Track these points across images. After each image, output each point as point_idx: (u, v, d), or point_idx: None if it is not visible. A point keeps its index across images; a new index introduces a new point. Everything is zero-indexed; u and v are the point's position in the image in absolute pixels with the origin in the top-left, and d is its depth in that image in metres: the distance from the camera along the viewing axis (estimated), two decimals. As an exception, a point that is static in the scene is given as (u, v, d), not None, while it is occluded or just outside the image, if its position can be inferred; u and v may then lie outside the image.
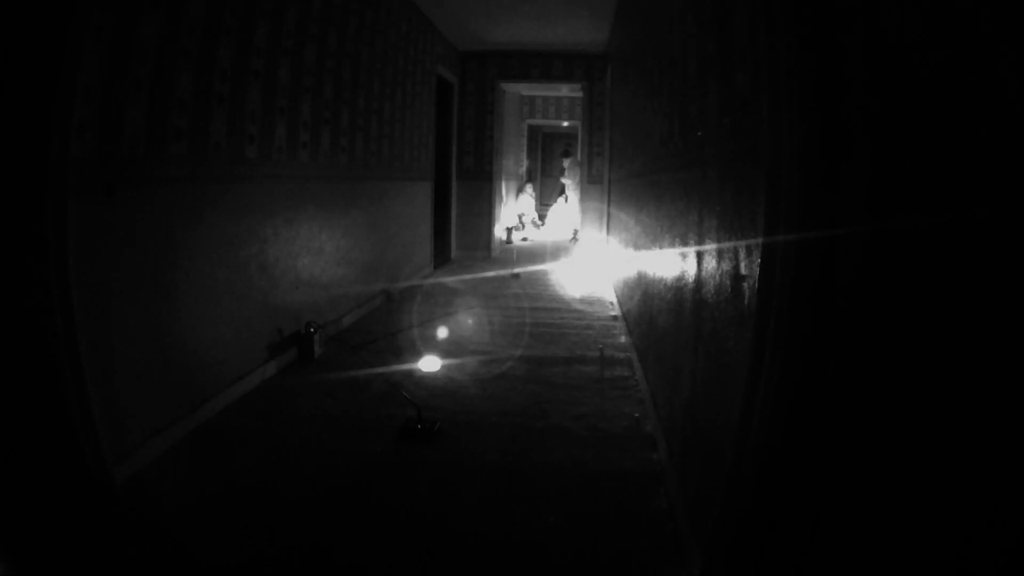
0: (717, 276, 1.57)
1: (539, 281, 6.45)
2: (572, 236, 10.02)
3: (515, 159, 11.86)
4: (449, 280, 6.45)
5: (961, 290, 0.79)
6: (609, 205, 6.89)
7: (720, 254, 1.55)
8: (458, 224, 8.08)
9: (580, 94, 8.44)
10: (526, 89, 8.93)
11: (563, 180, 11.99)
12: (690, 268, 1.94)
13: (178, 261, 2.43)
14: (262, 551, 1.76)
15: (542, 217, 12.54)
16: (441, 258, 7.57)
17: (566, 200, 11.78)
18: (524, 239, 10.54)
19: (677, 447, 2.06)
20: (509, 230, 9.95)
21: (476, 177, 8.07)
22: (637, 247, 3.68)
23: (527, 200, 11.78)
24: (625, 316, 4.34)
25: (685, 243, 2.04)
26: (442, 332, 4.10)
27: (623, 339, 4.11)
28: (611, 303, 5.30)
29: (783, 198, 1.09)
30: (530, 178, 13.61)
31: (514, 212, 11.30)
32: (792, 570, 1.20)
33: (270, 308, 3.21)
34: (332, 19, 3.83)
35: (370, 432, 2.56)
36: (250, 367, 3.01)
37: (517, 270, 6.89)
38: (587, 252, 7.79)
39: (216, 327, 2.71)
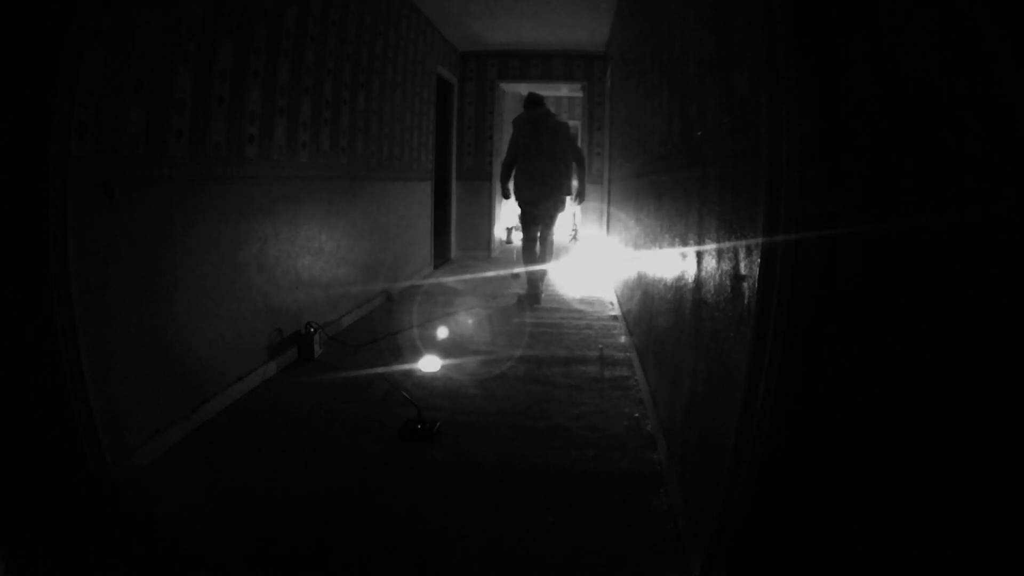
0: (717, 276, 1.57)
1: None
2: (572, 236, 10.01)
3: (515, 159, 11.82)
4: (449, 280, 6.44)
5: (961, 290, 0.79)
6: (609, 205, 6.90)
7: (720, 254, 1.55)
8: (458, 224, 8.08)
9: (580, 94, 8.40)
10: (526, 89, 8.93)
11: None
12: (690, 268, 1.94)
13: (178, 261, 2.43)
14: (262, 551, 1.76)
15: None
16: (441, 258, 7.57)
17: None
18: None
19: (677, 447, 2.06)
20: (509, 230, 9.94)
21: (476, 177, 8.06)
22: (637, 247, 3.68)
23: None
24: (625, 316, 4.34)
25: (685, 243, 2.04)
26: (442, 332, 4.10)
27: (623, 339, 4.11)
28: (611, 303, 5.30)
29: (783, 198, 1.09)
30: None
31: (514, 212, 11.27)
32: (792, 570, 1.20)
33: (270, 308, 3.21)
34: (331, 19, 3.83)
35: (370, 432, 2.56)
36: (250, 367, 3.01)
37: (517, 270, 6.89)
38: (587, 252, 7.79)
39: (216, 327, 2.71)
